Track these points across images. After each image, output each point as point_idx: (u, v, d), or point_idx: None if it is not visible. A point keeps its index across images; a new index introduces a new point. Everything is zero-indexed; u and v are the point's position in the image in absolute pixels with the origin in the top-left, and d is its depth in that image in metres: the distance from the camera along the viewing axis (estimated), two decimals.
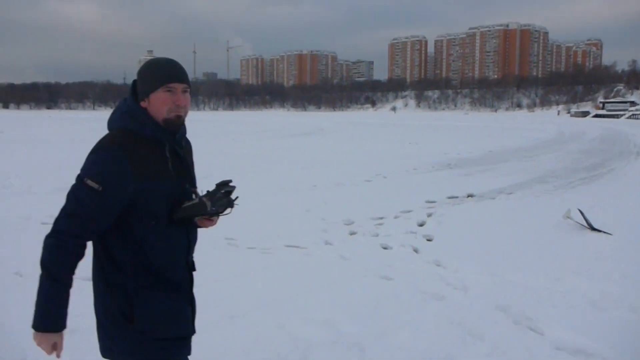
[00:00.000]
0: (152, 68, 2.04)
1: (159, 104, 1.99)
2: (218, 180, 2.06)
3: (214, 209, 2.00)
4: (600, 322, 4.16)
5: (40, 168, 13.85)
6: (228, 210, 2.08)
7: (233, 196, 2.08)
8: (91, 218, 1.90)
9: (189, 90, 2.05)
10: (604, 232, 6.98)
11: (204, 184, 2.21)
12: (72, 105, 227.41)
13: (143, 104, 2.02)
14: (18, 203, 8.93)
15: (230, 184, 2.07)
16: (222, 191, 2.03)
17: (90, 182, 1.87)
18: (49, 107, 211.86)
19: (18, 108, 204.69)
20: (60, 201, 1.95)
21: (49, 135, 30.34)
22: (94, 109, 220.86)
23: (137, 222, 1.96)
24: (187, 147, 2.23)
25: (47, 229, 1.91)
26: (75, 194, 1.91)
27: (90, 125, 47.22)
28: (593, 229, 7.12)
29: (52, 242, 1.88)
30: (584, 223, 7.25)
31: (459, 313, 4.21)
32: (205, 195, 2.01)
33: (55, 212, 1.94)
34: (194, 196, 2.04)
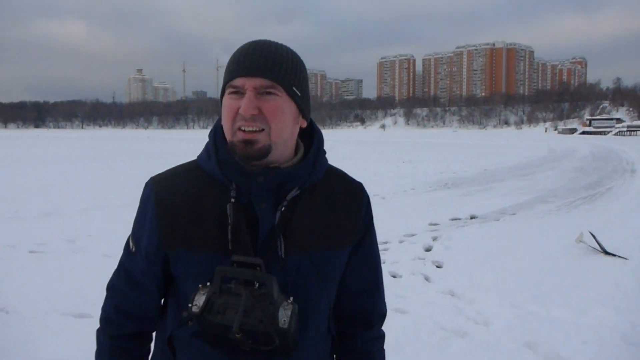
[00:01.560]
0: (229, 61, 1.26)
1: (223, 116, 1.23)
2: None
3: (190, 318, 1.16)
4: (636, 359, 3.87)
5: (27, 190, 13.41)
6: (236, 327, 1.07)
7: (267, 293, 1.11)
8: (123, 294, 1.31)
9: (277, 90, 1.18)
10: (619, 257, 6.72)
11: None
12: (60, 124, 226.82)
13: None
14: (3, 229, 8.50)
15: (259, 269, 1.13)
16: (235, 281, 1.13)
17: (130, 238, 1.32)
18: (36, 126, 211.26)
19: (5, 127, 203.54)
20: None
21: (37, 155, 29.78)
22: (82, 127, 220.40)
23: (171, 308, 1.30)
24: (323, 203, 1.28)
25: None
26: (122, 256, 1.35)
27: (81, 144, 46.75)
28: (607, 253, 6.86)
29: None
30: (597, 247, 6.99)
31: (487, 352, 3.89)
32: (209, 286, 1.14)
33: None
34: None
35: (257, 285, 1.12)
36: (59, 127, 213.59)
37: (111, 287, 1.34)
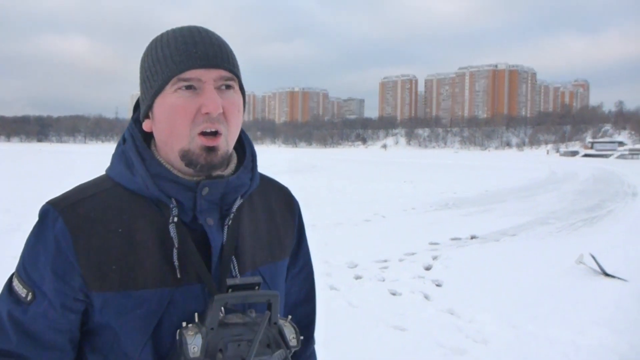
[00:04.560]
0: (154, 49, 1.02)
1: (166, 119, 0.99)
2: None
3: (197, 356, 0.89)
4: None
5: (30, 203, 13.45)
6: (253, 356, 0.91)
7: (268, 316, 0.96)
8: (16, 357, 0.97)
9: (236, 83, 1.03)
10: (619, 278, 6.73)
11: None
12: (63, 139, 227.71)
13: (146, 124, 1.05)
14: (6, 241, 8.55)
15: (258, 288, 0.98)
16: (233, 308, 0.98)
17: (16, 285, 0.99)
18: (39, 140, 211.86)
19: (8, 140, 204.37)
20: None
21: (40, 169, 29.89)
22: (85, 142, 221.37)
23: None
24: (262, 212, 1.16)
25: None
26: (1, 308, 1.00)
27: (84, 159, 46.90)
28: (607, 274, 6.87)
29: None
30: (597, 268, 7.01)
31: None
32: (197, 324, 0.93)
33: None
34: (183, 327, 0.93)
35: (250, 308, 0.98)
36: (61, 142, 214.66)
37: None
